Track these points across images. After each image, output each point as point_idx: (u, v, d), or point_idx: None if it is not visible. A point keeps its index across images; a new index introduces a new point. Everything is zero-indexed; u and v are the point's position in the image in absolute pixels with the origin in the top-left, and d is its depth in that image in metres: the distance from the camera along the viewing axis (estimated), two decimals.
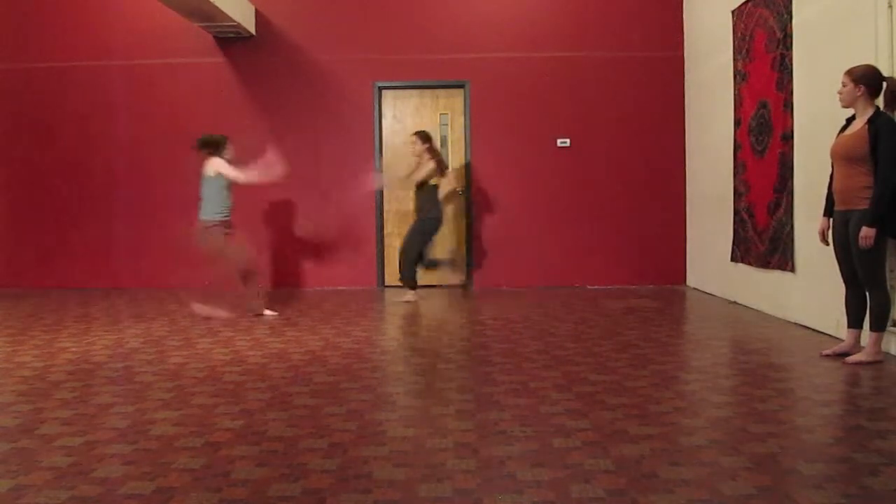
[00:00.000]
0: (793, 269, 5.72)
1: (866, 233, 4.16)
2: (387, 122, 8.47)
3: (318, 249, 8.45)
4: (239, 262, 6.44)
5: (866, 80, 4.25)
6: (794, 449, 2.96)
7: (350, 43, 8.40)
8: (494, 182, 8.36)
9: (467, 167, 8.41)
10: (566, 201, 8.38)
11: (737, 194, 6.82)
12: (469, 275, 8.41)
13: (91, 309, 6.95)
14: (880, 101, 4.32)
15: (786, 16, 5.80)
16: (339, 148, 8.36)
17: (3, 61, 8.61)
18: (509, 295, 7.83)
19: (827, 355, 4.52)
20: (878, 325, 4.29)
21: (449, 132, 8.52)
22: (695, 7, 8.02)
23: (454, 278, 7.74)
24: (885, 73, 4.35)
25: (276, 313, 6.49)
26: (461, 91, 8.42)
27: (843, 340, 4.59)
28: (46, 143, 8.60)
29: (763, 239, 6.24)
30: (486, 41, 8.35)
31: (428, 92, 8.49)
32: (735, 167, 6.84)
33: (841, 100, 4.39)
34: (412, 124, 8.48)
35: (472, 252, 8.41)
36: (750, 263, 6.52)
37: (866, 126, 4.22)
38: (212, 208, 6.36)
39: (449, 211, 7.80)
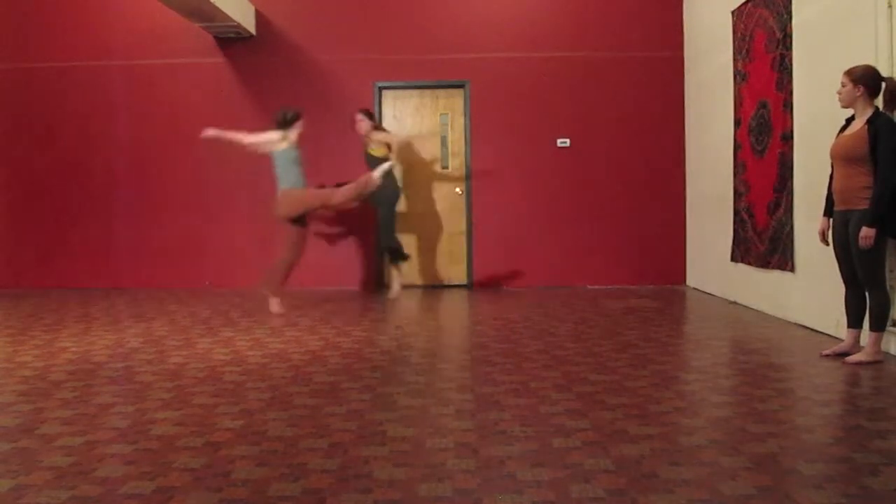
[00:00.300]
0: (793, 269, 5.72)
1: (866, 233, 4.16)
2: (387, 123, 8.46)
3: (319, 249, 8.44)
4: (297, 251, 6.66)
5: (865, 80, 4.26)
6: (794, 449, 2.96)
7: (350, 43, 8.40)
8: (494, 182, 8.36)
9: (467, 167, 8.41)
10: (566, 201, 8.38)
11: (737, 194, 6.82)
12: (469, 275, 8.42)
13: (91, 309, 6.95)
14: (880, 102, 4.32)
15: (786, 16, 5.80)
16: (339, 148, 8.35)
17: (3, 61, 8.62)
18: (509, 295, 7.83)
19: (827, 355, 4.52)
20: (878, 325, 4.29)
21: (449, 132, 8.52)
22: (695, 7, 8.02)
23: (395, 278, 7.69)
24: (885, 74, 4.35)
25: (283, 312, 6.54)
26: (461, 91, 8.42)
27: (842, 340, 4.59)
28: (46, 143, 8.60)
29: (763, 239, 6.24)
30: (486, 41, 8.35)
31: (428, 92, 8.49)
32: (735, 167, 6.85)
33: (840, 100, 4.39)
34: (412, 124, 8.49)
35: (472, 252, 8.41)
36: (750, 263, 6.53)
37: (866, 126, 4.22)
38: (288, 180, 6.51)
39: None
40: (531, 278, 8.36)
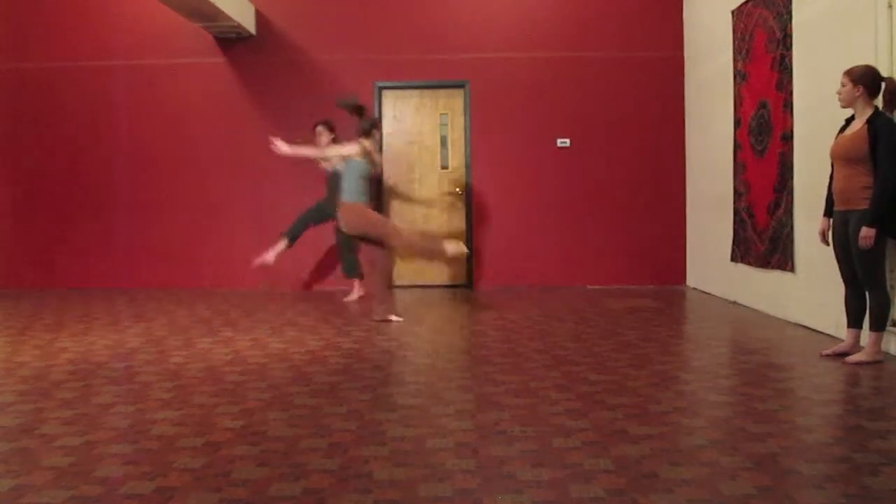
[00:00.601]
0: (793, 269, 5.72)
1: (866, 233, 4.16)
2: (387, 122, 8.47)
3: (319, 249, 8.44)
4: (384, 261, 6.26)
5: (865, 80, 4.26)
6: (794, 449, 2.96)
7: (350, 43, 8.41)
8: (494, 182, 8.36)
9: (467, 167, 8.41)
10: (566, 201, 8.38)
11: (737, 194, 6.82)
12: (470, 275, 8.42)
13: (91, 309, 6.95)
14: (879, 102, 4.32)
15: (786, 16, 5.80)
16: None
17: (3, 61, 8.62)
18: (509, 295, 7.83)
19: (827, 355, 4.52)
20: (878, 325, 4.29)
21: (449, 132, 8.52)
22: (695, 7, 8.02)
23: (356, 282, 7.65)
24: (885, 74, 4.35)
25: (401, 318, 6.19)
26: (461, 91, 8.42)
27: (842, 340, 4.59)
28: (47, 144, 8.60)
29: (763, 239, 6.24)
30: (486, 41, 8.35)
31: (428, 92, 8.49)
32: (735, 167, 6.85)
33: (840, 100, 4.39)
34: (412, 124, 8.49)
35: (472, 252, 8.41)
36: (750, 263, 6.53)
37: (865, 126, 4.22)
38: (354, 193, 6.08)
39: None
40: (531, 278, 8.36)
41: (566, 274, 8.37)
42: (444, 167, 8.52)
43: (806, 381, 4.05)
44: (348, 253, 7.49)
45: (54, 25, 8.57)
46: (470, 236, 8.42)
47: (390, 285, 6.15)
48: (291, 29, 8.44)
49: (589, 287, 8.28)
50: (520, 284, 8.36)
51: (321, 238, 8.45)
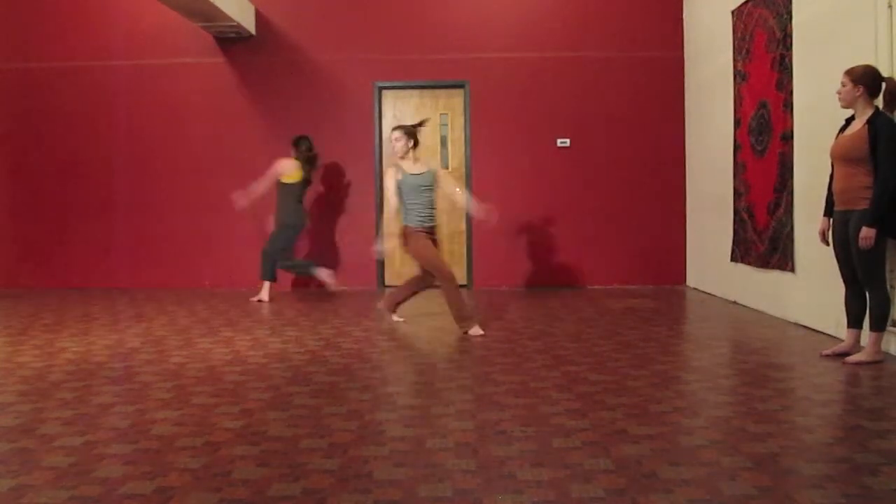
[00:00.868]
0: (793, 269, 5.72)
1: (866, 233, 4.16)
2: (387, 122, 8.46)
3: (319, 249, 8.44)
4: (448, 279, 5.62)
5: (866, 80, 4.25)
6: (794, 449, 2.96)
7: (350, 43, 8.40)
8: (494, 182, 8.36)
9: (467, 167, 8.41)
10: (566, 201, 8.38)
11: (737, 194, 6.82)
12: (469, 275, 8.42)
13: (91, 309, 6.95)
14: (880, 102, 4.32)
15: (786, 16, 5.80)
16: (339, 148, 8.36)
17: (3, 61, 8.62)
18: (509, 295, 7.83)
19: (827, 355, 4.52)
20: (878, 325, 4.29)
21: (449, 132, 8.52)
22: (695, 7, 8.02)
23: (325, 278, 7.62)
24: (885, 74, 4.35)
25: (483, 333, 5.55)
26: (461, 91, 8.42)
27: (843, 340, 4.59)
28: (46, 144, 8.60)
29: (763, 239, 6.24)
30: (486, 41, 8.35)
31: (428, 92, 8.49)
32: (735, 167, 6.84)
33: (840, 100, 4.39)
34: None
35: (472, 252, 8.42)
36: (750, 263, 6.53)
37: (866, 126, 4.22)
38: (410, 213, 5.66)
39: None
40: (531, 278, 8.36)
41: (566, 274, 8.37)
42: (444, 167, 8.52)
43: (806, 381, 4.05)
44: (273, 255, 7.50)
45: (54, 25, 8.56)
46: (470, 236, 8.42)
47: (459, 300, 5.61)
48: (291, 29, 8.44)
49: (589, 287, 8.28)
50: (519, 284, 8.35)
51: (321, 238, 8.46)
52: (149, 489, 2.58)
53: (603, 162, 8.35)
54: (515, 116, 8.37)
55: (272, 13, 8.44)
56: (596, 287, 8.28)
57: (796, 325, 5.60)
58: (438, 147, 8.51)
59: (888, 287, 4.36)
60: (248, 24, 8.19)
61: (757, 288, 6.41)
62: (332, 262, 8.41)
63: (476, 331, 5.50)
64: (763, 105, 6.22)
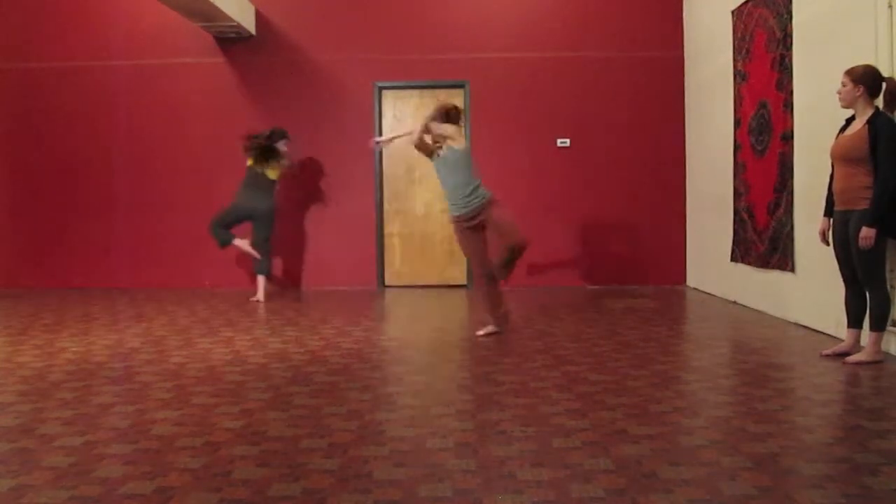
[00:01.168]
0: (793, 269, 5.72)
1: (866, 233, 4.16)
2: (387, 122, 8.46)
3: (318, 249, 8.45)
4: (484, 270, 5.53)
5: (866, 80, 4.25)
6: (794, 449, 2.96)
7: (350, 43, 8.40)
8: (494, 182, 8.29)
9: None
10: (566, 201, 8.38)
11: (737, 194, 6.82)
12: (469, 275, 8.41)
13: (91, 309, 6.95)
14: (880, 102, 4.32)
15: (786, 16, 5.80)
16: (339, 148, 8.36)
17: (3, 61, 8.62)
18: (509, 295, 7.81)
19: (827, 355, 4.52)
20: (878, 325, 4.29)
21: (432, 126, 8.49)
22: (695, 7, 8.02)
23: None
24: (885, 74, 4.35)
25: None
26: (461, 91, 8.42)
27: (843, 340, 4.59)
28: (46, 144, 8.60)
29: (763, 239, 6.24)
30: (486, 41, 8.35)
31: (428, 92, 8.49)
32: (735, 167, 6.84)
33: (841, 100, 4.38)
34: (412, 124, 8.47)
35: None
36: (750, 263, 6.52)
37: (866, 126, 4.22)
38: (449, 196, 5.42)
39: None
40: (531, 278, 8.35)
41: (566, 274, 8.36)
42: None
43: (806, 381, 4.05)
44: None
45: (54, 25, 8.56)
46: None
47: (492, 302, 5.50)
48: (291, 29, 8.44)
49: (589, 287, 8.28)
50: (519, 284, 8.34)
51: (322, 238, 8.46)
52: (149, 489, 2.58)
53: (603, 162, 8.35)
54: (515, 116, 8.37)
55: (272, 13, 8.44)
56: (596, 287, 8.28)
57: (796, 325, 5.60)
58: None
59: (888, 287, 4.36)
60: (248, 24, 8.19)
61: (757, 288, 6.41)
62: (333, 262, 8.41)
63: (488, 329, 5.45)
64: (763, 105, 6.22)
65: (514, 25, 8.37)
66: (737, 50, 6.79)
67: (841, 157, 4.35)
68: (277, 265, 8.47)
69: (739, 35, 6.73)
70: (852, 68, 4.31)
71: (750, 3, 6.49)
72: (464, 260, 8.45)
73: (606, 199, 8.35)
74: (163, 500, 2.49)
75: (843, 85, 4.33)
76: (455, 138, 5.41)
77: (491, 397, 3.75)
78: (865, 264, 4.25)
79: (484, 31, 8.36)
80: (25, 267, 8.63)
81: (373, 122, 8.39)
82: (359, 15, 8.41)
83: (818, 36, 5.36)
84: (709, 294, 7.54)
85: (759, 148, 6.31)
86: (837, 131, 4.49)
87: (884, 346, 4.38)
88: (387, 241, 8.51)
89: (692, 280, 8.20)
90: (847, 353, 4.44)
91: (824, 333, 5.14)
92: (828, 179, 4.59)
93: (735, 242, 6.85)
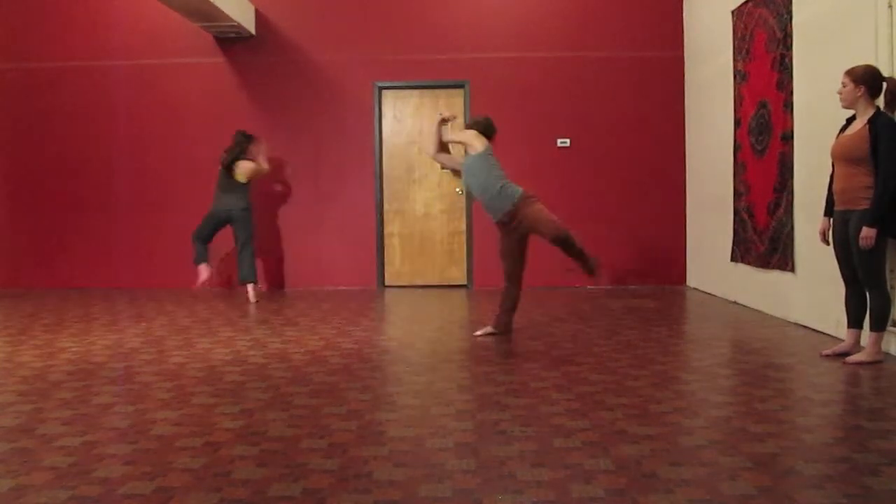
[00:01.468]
0: (793, 269, 5.72)
1: (866, 233, 4.16)
2: (387, 122, 8.47)
3: (318, 249, 8.44)
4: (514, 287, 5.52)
5: (866, 80, 4.25)
6: (794, 449, 2.96)
7: (350, 43, 8.40)
8: None
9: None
10: (566, 201, 8.34)
11: (737, 194, 6.82)
12: (469, 274, 8.42)
13: (91, 309, 6.95)
14: (880, 102, 4.32)
15: (786, 16, 5.80)
16: (338, 148, 8.36)
17: (3, 61, 8.62)
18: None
19: (827, 355, 4.52)
20: (878, 325, 4.29)
21: (449, 132, 8.49)
22: (695, 7, 8.02)
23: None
24: (885, 73, 4.35)
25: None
26: (461, 91, 8.42)
27: (843, 340, 4.59)
28: (46, 144, 8.60)
29: (763, 239, 6.24)
30: (486, 41, 8.35)
31: (428, 92, 8.49)
32: (735, 167, 6.84)
33: (841, 100, 4.38)
34: (412, 124, 8.49)
35: (472, 252, 8.41)
36: (750, 263, 6.52)
37: (867, 126, 4.22)
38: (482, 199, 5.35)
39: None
40: (531, 278, 8.30)
41: (566, 274, 8.34)
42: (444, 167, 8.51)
43: (806, 381, 4.05)
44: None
45: (54, 25, 8.56)
46: (470, 236, 8.42)
47: (503, 307, 5.53)
48: (291, 29, 8.44)
49: (589, 287, 8.28)
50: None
51: (322, 238, 8.45)
52: (149, 489, 2.58)
53: (603, 162, 8.35)
54: (515, 116, 8.35)
55: (272, 13, 8.44)
56: (596, 287, 8.27)
57: (796, 325, 5.60)
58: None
59: (888, 287, 4.36)
60: (248, 24, 8.19)
61: (757, 288, 6.41)
62: (333, 262, 8.41)
63: (486, 330, 5.49)
64: (763, 105, 6.22)
65: (514, 25, 8.37)
66: (737, 50, 6.79)
67: (841, 157, 4.35)
68: (278, 265, 8.48)
69: (739, 35, 6.73)
70: (853, 68, 4.31)
71: (750, 3, 6.49)
72: (464, 260, 8.46)
73: (606, 199, 8.35)
74: (163, 500, 2.49)
75: (844, 85, 4.33)
76: (471, 143, 5.40)
77: (491, 397, 3.75)
78: (866, 264, 4.25)
79: (484, 31, 8.36)
80: (25, 267, 8.62)
81: (373, 122, 8.39)
82: (359, 15, 8.41)
83: (818, 36, 5.36)
84: (709, 294, 7.54)
85: (759, 148, 6.31)
86: (838, 131, 4.49)
87: (884, 346, 4.38)
88: (387, 240, 8.51)
89: (692, 280, 8.20)
90: (847, 353, 4.44)
91: (824, 333, 5.14)
92: (828, 179, 4.58)
93: (735, 242, 6.85)
